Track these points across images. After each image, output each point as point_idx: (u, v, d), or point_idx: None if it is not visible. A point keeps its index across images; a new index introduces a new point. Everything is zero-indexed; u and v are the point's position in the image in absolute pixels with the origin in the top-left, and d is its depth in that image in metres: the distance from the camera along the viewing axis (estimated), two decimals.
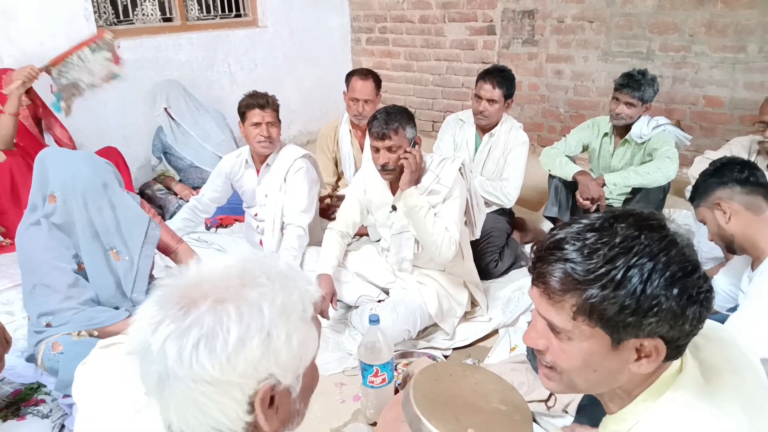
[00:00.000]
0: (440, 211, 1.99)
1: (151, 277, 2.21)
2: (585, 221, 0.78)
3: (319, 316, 1.99)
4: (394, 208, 2.08)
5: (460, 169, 2.04)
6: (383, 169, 1.98)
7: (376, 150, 1.97)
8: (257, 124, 2.33)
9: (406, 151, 1.95)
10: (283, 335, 0.65)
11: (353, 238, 2.64)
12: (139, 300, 1.79)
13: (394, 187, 2.08)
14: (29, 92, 2.81)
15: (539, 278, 0.78)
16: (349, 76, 2.91)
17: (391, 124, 1.91)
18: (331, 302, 2.01)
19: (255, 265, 0.69)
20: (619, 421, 0.82)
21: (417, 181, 2.00)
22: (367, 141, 2.96)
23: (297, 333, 0.67)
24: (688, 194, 2.60)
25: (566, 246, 0.75)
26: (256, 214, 2.53)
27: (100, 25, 3.49)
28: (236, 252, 0.73)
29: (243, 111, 2.37)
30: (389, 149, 1.94)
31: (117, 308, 1.78)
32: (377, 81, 2.89)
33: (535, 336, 0.82)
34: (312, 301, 0.72)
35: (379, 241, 2.52)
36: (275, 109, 2.38)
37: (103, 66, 2.81)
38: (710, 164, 1.67)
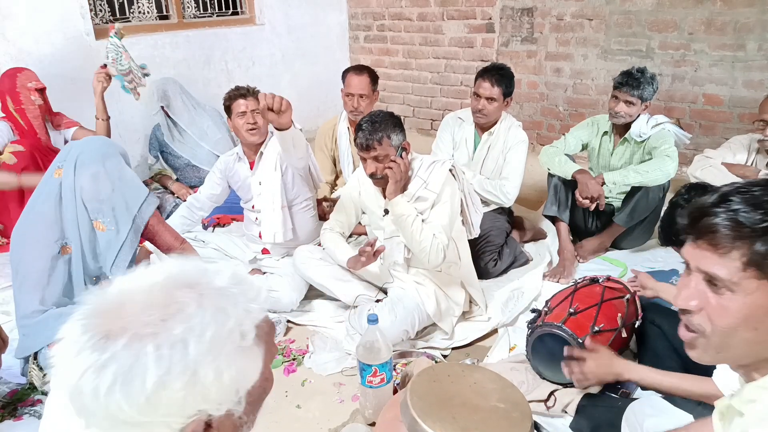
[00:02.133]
0: (428, 217, 1.98)
1: None
2: (745, 182, 0.79)
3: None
4: (386, 211, 2.07)
5: (451, 170, 2.03)
6: (372, 177, 1.98)
7: (363, 159, 1.97)
8: (243, 113, 2.36)
9: (391, 160, 1.94)
10: (212, 374, 0.59)
11: (350, 237, 2.63)
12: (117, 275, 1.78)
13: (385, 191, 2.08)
14: (43, 93, 2.82)
15: (704, 231, 0.77)
16: (345, 72, 2.91)
17: (375, 134, 1.90)
18: (371, 248, 2.00)
19: (183, 289, 0.61)
20: (762, 390, 0.79)
21: (404, 189, 1.99)
22: None
23: (230, 367, 0.60)
24: None
25: (733, 198, 0.76)
26: (253, 207, 2.53)
27: (96, 24, 3.47)
28: (167, 265, 0.65)
29: (228, 105, 2.41)
30: (375, 159, 1.93)
31: (108, 276, 1.78)
32: (373, 76, 2.88)
33: (688, 295, 0.80)
34: (255, 323, 0.64)
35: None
36: (257, 98, 2.38)
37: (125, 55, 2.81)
38: (672, 206, 1.71)
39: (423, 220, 1.96)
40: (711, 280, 0.77)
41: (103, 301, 0.61)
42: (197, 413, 0.60)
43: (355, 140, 1.96)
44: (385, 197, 2.07)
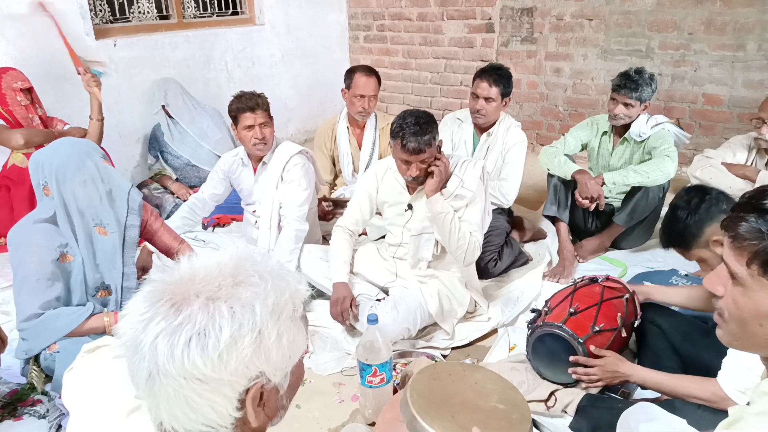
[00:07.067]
0: (464, 215, 1.97)
1: (145, 271, 2.19)
2: None
3: (337, 321, 1.95)
4: (409, 206, 2.06)
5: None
6: (414, 180, 1.94)
7: (406, 162, 1.90)
8: (250, 127, 2.31)
9: (436, 158, 1.90)
10: (274, 334, 0.66)
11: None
12: (129, 272, 1.80)
13: (410, 186, 2.07)
14: (30, 92, 2.81)
15: (731, 223, 0.81)
16: (351, 72, 2.88)
17: (424, 137, 1.84)
18: (351, 306, 2.01)
19: (248, 263, 0.70)
20: None
21: (443, 186, 1.97)
22: (366, 138, 2.96)
23: (287, 332, 0.68)
24: None
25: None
26: (254, 211, 2.53)
27: (96, 23, 3.47)
28: (229, 249, 0.73)
29: (234, 115, 2.33)
30: (422, 161, 1.89)
31: (107, 286, 1.78)
32: (378, 77, 2.90)
33: (716, 280, 0.85)
34: (302, 300, 0.73)
35: (379, 239, 2.51)
36: (266, 108, 2.35)
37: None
38: (673, 209, 1.64)
39: (459, 218, 1.95)
40: (730, 272, 0.82)
41: (173, 275, 0.68)
42: (259, 376, 0.67)
43: (401, 144, 1.86)
44: (409, 192, 2.06)
